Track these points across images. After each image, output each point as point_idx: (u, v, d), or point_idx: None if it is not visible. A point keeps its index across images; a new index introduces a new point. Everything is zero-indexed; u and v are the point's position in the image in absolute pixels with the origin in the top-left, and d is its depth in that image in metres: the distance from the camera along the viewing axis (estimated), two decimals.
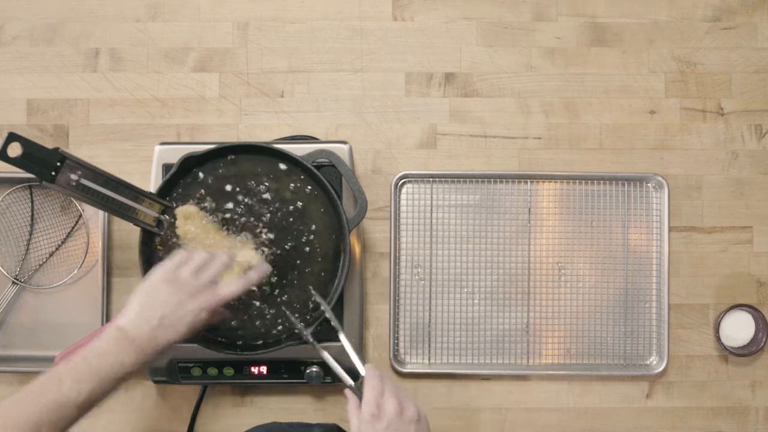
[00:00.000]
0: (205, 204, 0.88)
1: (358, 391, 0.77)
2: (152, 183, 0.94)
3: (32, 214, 0.98)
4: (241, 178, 0.88)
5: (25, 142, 0.75)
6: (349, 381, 0.80)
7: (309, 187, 0.89)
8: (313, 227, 0.89)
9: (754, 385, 1.01)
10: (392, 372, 0.99)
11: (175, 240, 0.87)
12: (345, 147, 0.94)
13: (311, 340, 0.83)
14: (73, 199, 0.97)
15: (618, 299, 1.00)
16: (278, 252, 0.88)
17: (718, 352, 1.01)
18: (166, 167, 0.93)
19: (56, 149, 0.77)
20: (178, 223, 0.87)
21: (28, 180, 0.96)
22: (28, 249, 0.98)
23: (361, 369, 0.79)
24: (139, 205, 0.85)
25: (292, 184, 0.89)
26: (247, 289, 0.81)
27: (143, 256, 0.87)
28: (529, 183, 1.00)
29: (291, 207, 0.88)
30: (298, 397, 0.99)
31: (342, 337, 0.83)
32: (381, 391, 0.75)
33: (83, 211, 0.97)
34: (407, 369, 0.98)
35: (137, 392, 0.99)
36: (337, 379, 0.93)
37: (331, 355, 0.82)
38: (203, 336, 0.88)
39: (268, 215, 0.88)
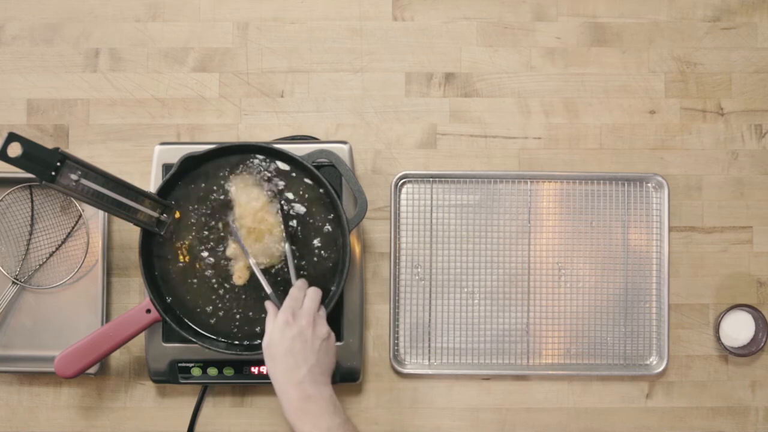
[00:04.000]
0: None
1: (272, 297, 0.82)
2: (152, 183, 0.94)
3: (32, 214, 0.98)
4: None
5: (25, 142, 0.75)
6: (269, 289, 0.83)
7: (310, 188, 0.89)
8: (315, 227, 0.89)
9: (754, 385, 1.01)
10: (392, 372, 0.99)
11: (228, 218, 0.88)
12: (345, 147, 0.94)
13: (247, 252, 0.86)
14: (73, 199, 0.97)
15: (618, 299, 1.00)
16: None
17: (718, 352, 1.01)
18: (166, 167, 0.93)
19: (56, 149, 0.77)
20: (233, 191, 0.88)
21: (28, 180, 0.96)
22: (28, 249, 0.98)
23: (294, 280, 0.84)
24: (139, 205, 0.85)
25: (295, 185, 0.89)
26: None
27: (143, 256, 0.87)
28: (529, 183, 1.00)
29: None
30: None
31: (286, 247, 0.87)
32: (300, 304, 0.80)
33: (83, 211, 0.97)
34: (407, 369, 0.98)
35: (137, 392, 0.99)
36: (337, 378, 0.93)
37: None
38: (203, 336, 0.88)
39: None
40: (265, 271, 0.88)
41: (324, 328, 0.80)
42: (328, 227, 0.89)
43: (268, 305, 0.82)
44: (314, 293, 0.82)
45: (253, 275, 0.88)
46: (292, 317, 0.78)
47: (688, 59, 1.02)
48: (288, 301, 0.80)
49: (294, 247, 0.88)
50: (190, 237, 0.88)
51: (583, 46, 1.02)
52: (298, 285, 0.83)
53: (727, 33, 1.03)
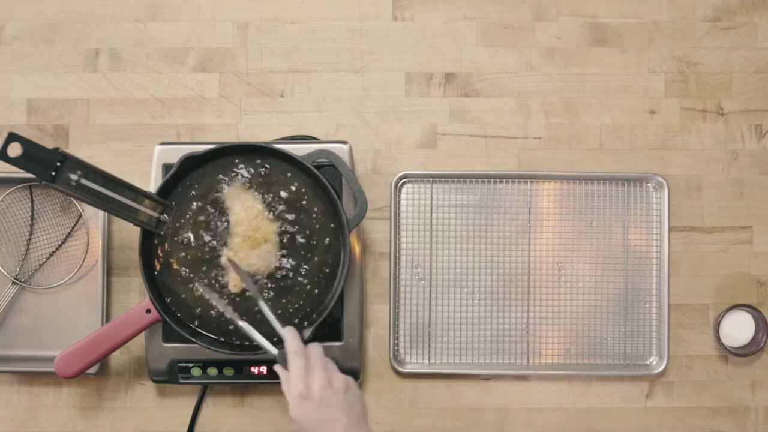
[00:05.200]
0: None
1: (286, 362, 0.76)
2: (152, 183, 0.94)
3: (32, 214, 0.98)
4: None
5: (25, 142, 0.75)
6: (273, 350, 0.79)
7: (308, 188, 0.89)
8: (315, 227, 0.89)
9: (754, 385, 1.01)
10: (392, 372, 0.99)
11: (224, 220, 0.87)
12: (345, 147, 0.94)
13: (231, 315, 0.81)
14: (73, 199, 0.97)
15: (618, 299, 1.00)
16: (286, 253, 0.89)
17: (718, 352, 1.01)
18: (166, 167, 0.93)
19: (56, 149, 0.77)
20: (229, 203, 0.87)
21: (28, 180, 0.96)
22: (28, 249, 0.98)
23: (283, 332, 0.78)
24: (139, 205, 0.85)
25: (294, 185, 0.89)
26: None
27: (143, 256, 0.87)
28: (529, 183, 1.00)
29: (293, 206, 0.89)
30: None
31: (261, 304, 0.82)
32: (306, 367, 0.74)
33: (83, 211, 0.97)
34: (407, 369, 0.98)
35: (137, 392, 0.99)
36: None
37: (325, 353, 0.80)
38: (203, 336, 0.88)
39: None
40: (265, 277, 0.88)
41: (340, 379, 0.75)
42: (327, 227, 0.89)
43: (279, 371, 0.77)
44: (316, 350, 0.77)
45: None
46: (305, 387, 0.73)
47: (688, 59, 1.02)
48: (294, 372, 0.74)
49: (267, 298, 0.86)
50: (189, 237, 0.88)
51: (583, 46, 1.02)
52: (293, 349, 0.76)
53: (727, 33, 1.03)
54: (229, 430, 0.99)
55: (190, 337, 0.86)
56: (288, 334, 0.78)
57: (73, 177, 0.78)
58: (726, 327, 0.99)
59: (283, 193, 0.89)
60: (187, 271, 0.88)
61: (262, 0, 1.02)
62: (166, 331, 0.94)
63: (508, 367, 0.99)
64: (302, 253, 0.88)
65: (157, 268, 0.88)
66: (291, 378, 0.74)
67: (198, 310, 0.89)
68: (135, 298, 0.99)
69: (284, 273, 0.88)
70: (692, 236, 1.01)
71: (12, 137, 0.74)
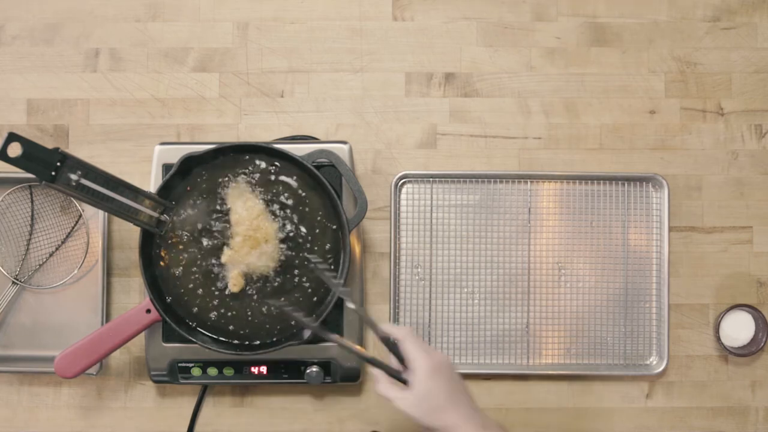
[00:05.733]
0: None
1: (380, 363, 0.76)
2: (152, 183, 0.94)
3: (32, 214, 0.98)
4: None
5: (25, 142, 0.75)
6: (368, 354, 0.77)
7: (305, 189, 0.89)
8: (316, 227, 0.89)
9: (754, 385, 1.01)
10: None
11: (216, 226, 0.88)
12: (345, 147, 0.94)
13: (315, 325, 0.80)
14: (73, 199, 0.97)
15: (618, 299, 1.00)
16: (286, 252, 0.88)
17: (718, 352, 1.01)
18: (166, 167, 0.93)
19: (56, 149, 0.77)
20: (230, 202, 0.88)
21: (28, 180, 0.96)
22: (28, 249, 0.98)
23: (393, 330, 0.77)
24: (139, 205, 0.85)
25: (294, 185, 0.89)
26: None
27: (143, 256, 0.87)
28: (529, 183, 1.00)
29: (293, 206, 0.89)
30: (298, 397, 0.99)
31: (350, 304, 0.81)
32: (422, 343, 0.74)
33: (83, 211, 0.97)
34: None
35: (137, 392, 0.99)
36: (337, 378, 0.93)
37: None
38: (203, 336, 0.88)
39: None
40: (260, 278, 0.88)
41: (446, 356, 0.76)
42: (327, 227, 0.89)
43: (376, 373, 0.76)
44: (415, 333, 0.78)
45: (248, 281, 0.88)
46: (433, 361, 0.73)
47: (688, 59, 1.02)
48: (415, 349, 0.74)
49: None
50: (190, 237, 0.88)
51: (583, 46, 1.02)
52: (402, 329, 0.76)
53: (727, 33, 1.03)
54: (229, 430, 0.99)
55: (190, 337, 0.86)
56: (392, 326, 0.78)
57: (73, 177, 0.78)
58: (726, 327, 0.99)
59: (283, 193, 0.89)
60: (188, 270, 0.88)
61: (262, 0, 1.02)
62: (166, 331, 0.94)
63: (508, 367, 0.99)
64: (302, 253, 0.88)
65: (157, 268, 0.88)
66: (415, 356, 0.73)
67: (198, 310, 0.88)
68: (135, 298, 0.99)
69: (284, 273, 0.88)
70: (692, 236, 1.01)
71: (12, 137, 0.74)
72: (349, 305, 0.81)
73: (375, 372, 0.76)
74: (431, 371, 0.72)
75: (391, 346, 0.77)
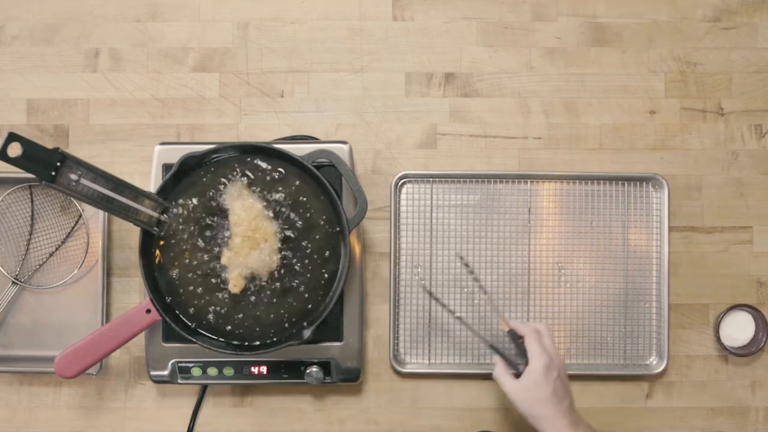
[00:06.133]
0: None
1: (501, 352, 0.89)
2: (152, 183, 0.94)
3: (32, 214, 0.98)
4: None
5: (25, 142, 0.75)
6: (494, 344, 0.92)
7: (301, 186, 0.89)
8: (316, 227, 0.89)
9: (754, 385, 1.01)
10: (392, 372, 0.99)
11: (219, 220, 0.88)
12: (345, 147, 0.94)
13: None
14: (73, 199, 0.97)
15: (618, 299, 1.00)
16: (287, 251, 0.88)
17: (718, 352, 1.01)
18: (166, 167, 0.93)
19: (56, 149, 0.77)
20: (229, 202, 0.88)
21: (28, 180, 0.96)
22: (28, 249, 0.98)
23: (520, 327, 0.88)
24: (139, 205, 0.85)
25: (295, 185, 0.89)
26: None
27: (143, 256, 0.87)
28: (529, 183, 1.00)
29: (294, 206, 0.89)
30: (298, 397, 0.99)
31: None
32: (543, 343, 0.86)
33: (83, 211, 0.97)
34: (407, 369, 0.98)
35: (137, 392, 0.99)
36: (337, 378, 0.93)
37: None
38: (203, 336, 0.88)
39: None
40: (260, 279, 0.88)
41: (561, 358, 0.86)
42: (327, 227, 0.89)
43: (497, 360, 0.88)
44: (547, 331, 0.87)
45: (248, 282, 0.88)
46: (549, 361, 0.83)
47: (688, 59, 1.02)
48: (536, 344, 0.84)
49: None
50: (190, 238, 0.88)
51: (583, 46, 1.02)
52: (527, 326, 0.87)
53: (727, 33, 1.03)
54: (229, 430, 0.99)
55: (190, 337, 0.86)
56: (520, 323, 0.89)
57: (73, 177, 0.78)
58: (726, 327, 0.99)
59: (283, 193, 0.89)
60: (188, 271, 0.88)
61: (262, 0, 1.02)
62: (166, 331, 0.94)
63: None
64: (302, 253, 0.88)
65: (157, 269, 0.88)
66: (533, 354, 0.84)
67: (197, 311, 0.88)
68: (135, 298, 0.99)
69: (284, 273, 0.88)
70: (692, 236, 1.01)
71: (12, 137, 0.74)
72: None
73: (495, 358, 0.88)
74: (544, 369, 0.83)
75: (516, 340, 0.88)
